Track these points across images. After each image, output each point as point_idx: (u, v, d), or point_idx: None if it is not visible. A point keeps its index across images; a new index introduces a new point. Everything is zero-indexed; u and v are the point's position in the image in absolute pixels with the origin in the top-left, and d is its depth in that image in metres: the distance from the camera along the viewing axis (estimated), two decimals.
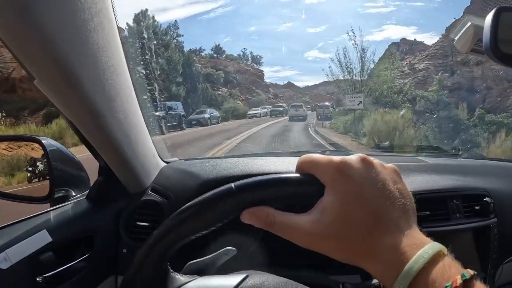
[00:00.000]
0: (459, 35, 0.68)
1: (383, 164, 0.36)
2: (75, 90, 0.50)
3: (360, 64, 18.61)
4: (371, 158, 0.36)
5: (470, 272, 0.28)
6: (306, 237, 0.34)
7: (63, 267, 0.65)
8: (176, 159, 1.04)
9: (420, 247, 0.30)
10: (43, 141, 0.84)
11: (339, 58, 19.37)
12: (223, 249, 0.52)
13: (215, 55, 51.08)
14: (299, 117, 25.08)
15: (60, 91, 0.51)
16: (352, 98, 14.20)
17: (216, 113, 22.45)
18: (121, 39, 0.59)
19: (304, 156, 0.37)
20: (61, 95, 0.52)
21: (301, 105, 28.96)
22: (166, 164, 0.95)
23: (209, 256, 0.51)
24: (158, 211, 0.80)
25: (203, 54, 47.86)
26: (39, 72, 0.47)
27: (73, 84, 0.49)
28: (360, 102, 13.57)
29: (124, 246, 0.79)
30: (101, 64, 0.52)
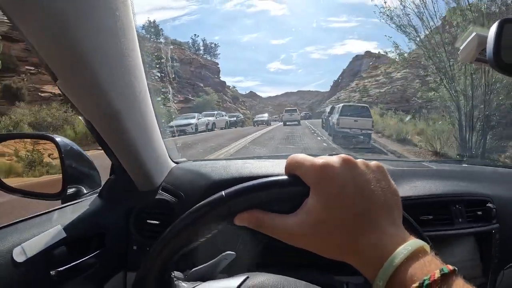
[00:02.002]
0: (464, 44, 0.70)
1: (367, 163, 0.37)
2: (96, 93, 0.52)
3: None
4: (353, 158, 0.37)
5: (449, 267, 0.29)
6: (293, 236, 0.36)
7: (76, 262, 0.67)
8: (185, 159, 1.06)
9: (402, 243, 0.32)
10: (56, 139, 0.87)
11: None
12: (222, 254, 0.54)
13: (147, 36, 36.04)
14: (294, 122, 23.86)
15: (81, 93, 0.53)
16: None
17: None
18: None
19: (291, 157, 0.39)
20: (82, 97, 0.54)
21: (295, 109, 27.64)
22: (176, 164, 0.97)
23: (210, 262, 0.53)
24: (169, 210, 0.82)
25: None
26: (63, 74, 0.50)
27: (95, 87, 0.51)
28: None
29: (134, 243, 0.81)
30: (122, 67, 0.55)
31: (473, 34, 0.68)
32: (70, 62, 0.47)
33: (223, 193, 0.38)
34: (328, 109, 14.54)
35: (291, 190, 0.38)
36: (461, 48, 0.71)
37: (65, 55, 0.46)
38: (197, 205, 0.39)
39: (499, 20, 0.61)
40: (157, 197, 0.83)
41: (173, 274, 0.49)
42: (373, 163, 0.38)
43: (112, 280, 0.78)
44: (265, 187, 0.38)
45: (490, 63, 0.63)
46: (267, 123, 27.29)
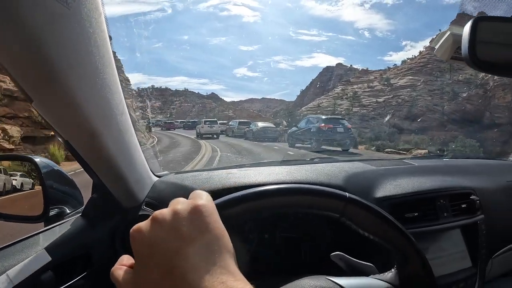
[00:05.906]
0: (439, 43, 0.71)
1: (181, 211, 0.33)
2: (72, 111, 0.50)
3: None
4: (166, 213, 0.33)
5: None
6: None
7: (64, 286, 0.65)
8: (167, 172, 1.04)
9: None
10: (36, 160, 0.84)
11: None
12: None
13: None
14: (210, 135, 22.38)
15: (57, 112, 0.51)
16: None
17: None
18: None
19: None
20: (58, 116, 0.53)
21: (215, 120, 26.32)
22: (158, 178, 0.95)
23: None
24: None
25: None
26: (37, 94, 0.48)
27: (71, 105, 0.50)
28: None
29: None
30: (98, 84, 0.53)
31: (448, 33, 0.70)
32: (44, 82, 0.45)
33: None
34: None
35: None
36: (436, 47, 0.72)
37: (39, 73, 0.44)
38: None
39: (473, 19, 0.63)
40: (140, 213, 0.81)
41: None
42: (190, 207, 0.33)
43: None
44: None
45: (465, 61, 0.64)
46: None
